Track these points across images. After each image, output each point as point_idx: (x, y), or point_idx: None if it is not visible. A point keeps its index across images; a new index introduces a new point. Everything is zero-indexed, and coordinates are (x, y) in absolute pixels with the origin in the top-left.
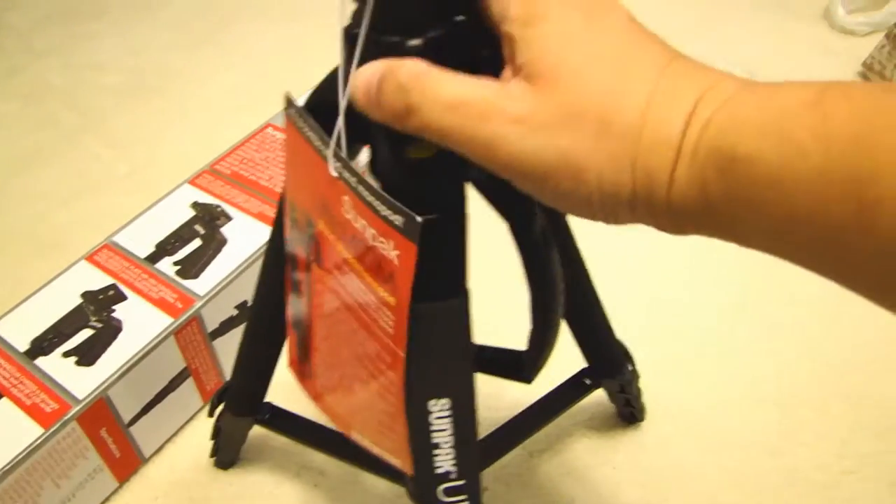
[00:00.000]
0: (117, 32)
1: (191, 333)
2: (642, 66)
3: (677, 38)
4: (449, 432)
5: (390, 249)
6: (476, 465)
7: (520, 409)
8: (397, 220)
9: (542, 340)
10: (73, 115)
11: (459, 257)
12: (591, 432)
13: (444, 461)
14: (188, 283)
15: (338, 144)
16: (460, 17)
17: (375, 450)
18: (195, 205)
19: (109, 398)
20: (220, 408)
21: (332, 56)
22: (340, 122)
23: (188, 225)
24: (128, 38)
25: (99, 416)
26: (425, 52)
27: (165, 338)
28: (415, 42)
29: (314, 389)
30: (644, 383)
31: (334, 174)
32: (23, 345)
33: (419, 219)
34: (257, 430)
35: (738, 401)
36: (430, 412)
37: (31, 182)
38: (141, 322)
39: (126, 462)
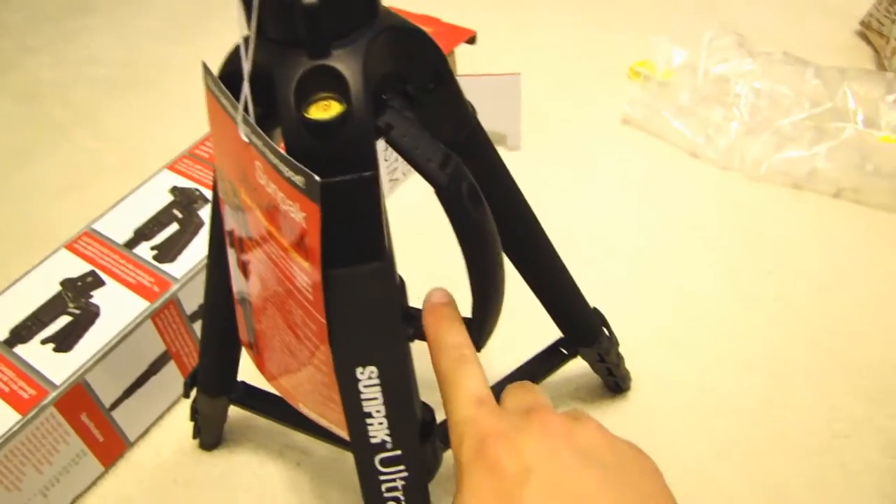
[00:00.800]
0: (109, 25)
1: (169, 316)
2: None
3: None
4: (380, 401)
5: (297, 212)
6: (413, 435)
7: (494, 381)
8: (299, 180)
9: (482, 306)
10: (64, 110)
11: (375, 220)
12: (577, 403)
13: (378, 431)
14: (165, 266)
15: (245, 109)
16: None
17: (323, 422)
18: (174, 189)
19: (88, 383)
20: (195, 389)
21: None
22: (246, 88)
23: (166, 210)
24: (120, 30)
25: (78, 401)
26: (321, 8)
27: (143, 321)
28: (311, 1)
29: (264, 366)
30: (630, 352)
31: (244, 139)
32: (2, 334)
33: (317, 178)
34: (240, 411)
35: (728, 369)
36: (359, 380)
37: (25, 178)
38: (118, 307)
39: (110, 446)
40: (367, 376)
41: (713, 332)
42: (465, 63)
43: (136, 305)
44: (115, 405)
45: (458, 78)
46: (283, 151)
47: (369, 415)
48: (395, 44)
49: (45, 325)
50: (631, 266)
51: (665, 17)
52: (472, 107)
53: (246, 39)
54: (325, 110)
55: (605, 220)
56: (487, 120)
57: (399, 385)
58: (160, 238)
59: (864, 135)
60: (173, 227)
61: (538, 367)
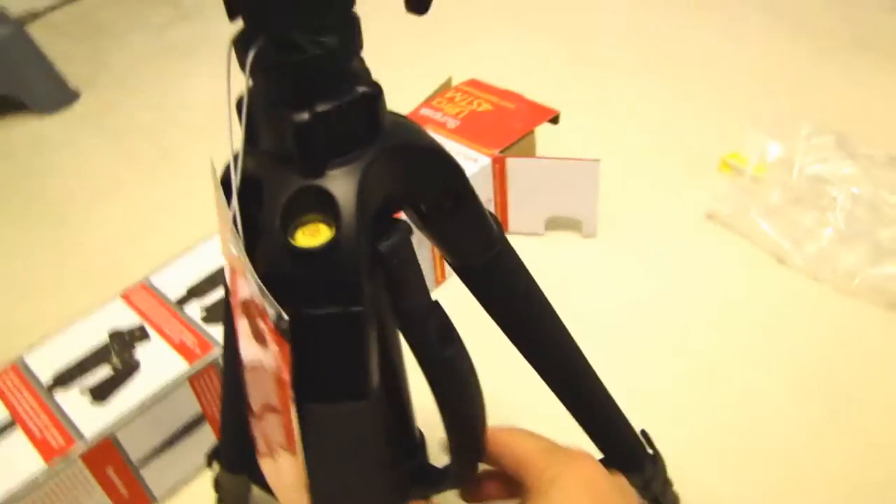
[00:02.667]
0: (207, 72)
1: (207, 379)
2: None
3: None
4: None
5: (272, 343)
6: None
7: None
8: (271, 314)
9: (455, 445)
10: (154, 151)
11: (360, 357)
12: None
13: None
14: (212, 328)
15: (235, 224)
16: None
17: None
18: None
19: (117, 438)
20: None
21: None
22: (234, 205)
23: (223, 271)
24: (216, 77)
25: (105, 455)
26: (313, 125)
27: (180, 382)
28: (302, 117)
29: (256, 450)
30: (680, 469)
31: (234, 252)
32: (47, 378)
33: (286, 318)
34: None
35: (788, 499)
36: None
37: (105, 214)
38: (159, 364)
39: (135, 503)
40: None
41: (778, 456)
42: (546, 142)
43: (176, 365)
44: (144, 462)
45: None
46: (257, 279)
47: None
48: (400, 163)
49: (86, 372)
50: (694, 372)
51: (762, 109)
52: (499, 226)
53: (236, 156)
54: (312, 235)
55: (673, 319)
56: (563, 205)
57: None
58: (212, 299)
59: None
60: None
61: None
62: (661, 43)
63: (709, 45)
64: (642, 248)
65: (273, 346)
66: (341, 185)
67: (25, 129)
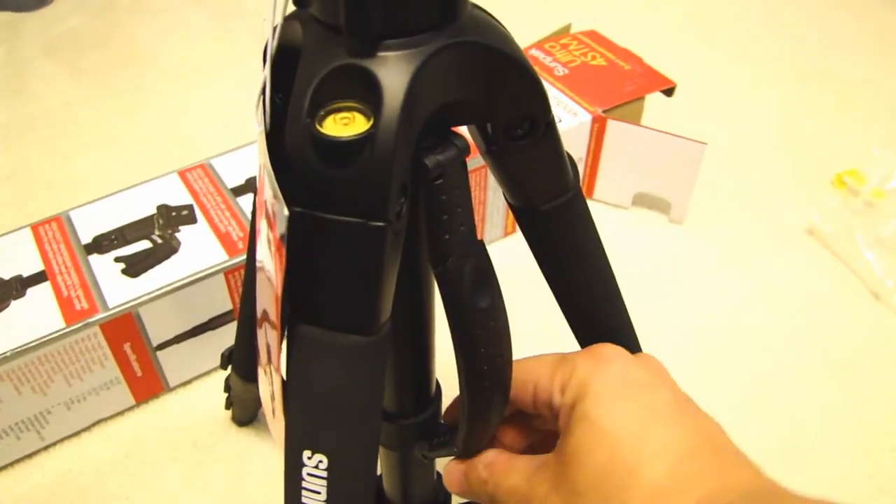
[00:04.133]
0: None
1: (243, 277)
2: (659, 452)
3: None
4: (322, 497)
5: (276, 238)
6: None
7: None
8: (274, 204)
9: (467, 408)
10: (250, 38)
11: (371, 284)
12: None
13: None
14: None
15: (263, 92)
16: None
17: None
18: None
19: (139, 315)
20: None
21: None
22: (267, 70)
23: None
24: None
25: (125, 329)
26: None
27: (215, 273)
28: None
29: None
30: None
31: (255, 126)
32: (86, 237)
33: (286, 211)
34: None
35: None
36: (304, 465)
37: (186, 88)
38: (199, 250)
39: (147, 384)
40: (315, 464)
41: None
42: (653, 113)
43: (216, 255)
44: (162, 346)
45: (638, 128)
46: (268, 163)
47: None
48: (473, 65)
49: (126, 242)
50: (749, 391)
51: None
52: (574, 170)
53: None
54: (344, 124)
55: (743, 332)
56: (656, 183)
57: (352, 489)
58: None
59: None
60: None
61: None
62: (801, 43)
63: (854, 58)
64: (729, 247)
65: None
66: (392, 70)
67: None
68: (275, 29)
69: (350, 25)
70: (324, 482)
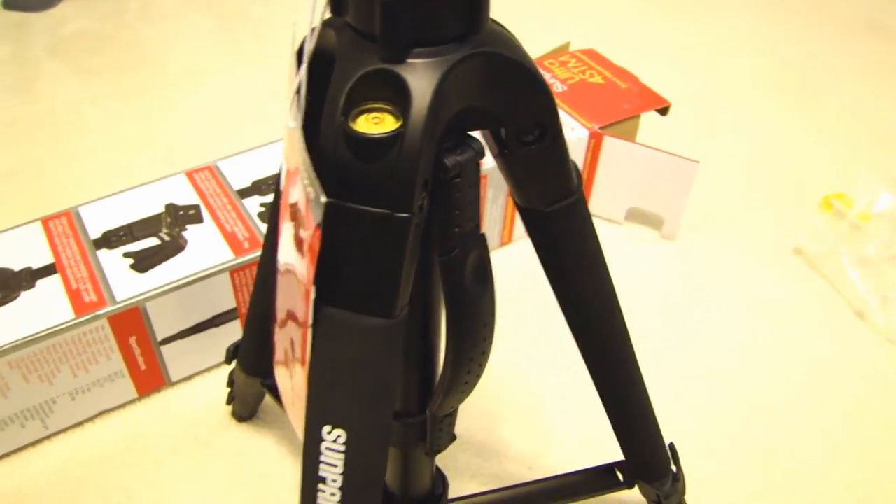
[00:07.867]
0: None
1: (248, 276)
2: None
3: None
4: (339, 470)
5: (312, 226)
6: None
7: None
8: (311, 192)
9: (450, 377)
10: (254, 45)
11: (393, 269)
12: None
13: (328, 501)
14: (265, 226)
15: (298, 92)
16: None
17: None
18: None
19: (146, 310)
20: (235, 362)
21: None
22: (303, 71)
23: None
24: None
25: (131, 323)
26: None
27: (221, 271)
28: None
29: (274, 356)
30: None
31: (290, 124)
32: (95, 233)
33: (323, 198)
34: None
35: None
36: (323, 440)
37: (192, 93)
38: (205, 248)
39: (150, 378)
40: (334, 439)
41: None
42: (648, 131)
43: (222, 254)
44: (166, 341)
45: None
46: (307, 156)
47: (323, 480)
48: (491, 74)
49: (134, 239)
50: (734, 408)
51: (884, 158)
52: (578, 177)
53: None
54: (375, 123)
55: (727, 346)
56: (650, 199)
57: (367, 462)
58: (272, 198)
59: None
60: None
61: (583, 484)
62: (792, 65)
63: (843, 83)
64: (719, 264)
65: (309, 230)
66: (420, 76)
67: None
68: (313, 30)
69: (384, 34)
70: (341, 456)
